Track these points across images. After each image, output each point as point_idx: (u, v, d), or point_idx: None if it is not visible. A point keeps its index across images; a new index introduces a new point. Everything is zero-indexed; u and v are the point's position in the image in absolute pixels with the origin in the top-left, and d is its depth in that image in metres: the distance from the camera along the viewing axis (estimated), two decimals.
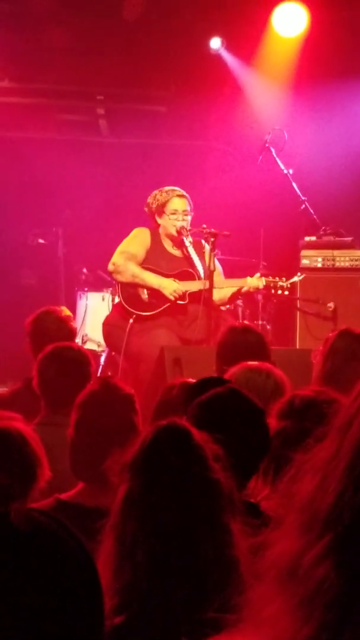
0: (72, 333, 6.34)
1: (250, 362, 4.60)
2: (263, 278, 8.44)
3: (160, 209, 8.57)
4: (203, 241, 8.60)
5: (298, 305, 9.34)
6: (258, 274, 8.51)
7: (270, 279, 8.49)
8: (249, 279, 8.44)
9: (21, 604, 1.52)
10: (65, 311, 6.48)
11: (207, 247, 8.37)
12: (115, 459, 2.49)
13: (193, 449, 2.57)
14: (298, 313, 9.38)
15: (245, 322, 8.32)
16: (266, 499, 3.43)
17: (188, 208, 8.56)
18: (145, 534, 2.44)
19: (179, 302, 8.33)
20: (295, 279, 8.78)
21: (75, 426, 3.89)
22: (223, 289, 8.43)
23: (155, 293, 8.38)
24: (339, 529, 1.43)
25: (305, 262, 9.41)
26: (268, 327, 9.59)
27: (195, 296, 8.33)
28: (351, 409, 1.53)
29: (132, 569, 2.41)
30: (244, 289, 8.42)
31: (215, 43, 10.68)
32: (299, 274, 8.97)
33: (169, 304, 8.35)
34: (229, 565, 2.42)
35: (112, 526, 2.48)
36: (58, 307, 6.57)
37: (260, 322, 9.43)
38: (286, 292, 8.59)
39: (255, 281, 8.41)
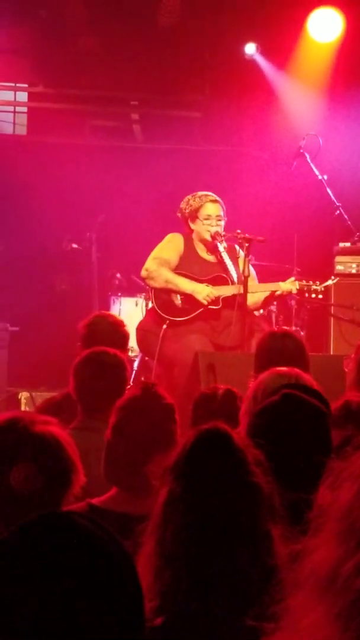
0: (125, 338, 6.32)
1: (279, 368, 4.56)
2: (297, 282, 8.42)
3: (194, 215, 8.56)
4: (237, 246, 8.59)
5: (332, 311, 9.31)
6: (292, 278, 8.49)
7: (304, 282, 8.46)
8: (281, 283, 8.42)
9: (65, 604, 1.53)
10: (116, 317, 6.52)
11: (241, 253, 8.35)
12: (157, 463, 2.49)
13: (234, 453, 2.58)
14: (332, 319, 9.35)
15: (285, 327, 8.29)
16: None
17: (221, 213, 8.55)
18: (186, 537, 2.44)
19: (212, 307, 8.32)
20: (329, 282, 8.74)
21: (113, 430, 3.88)
22: (256, 294, 8.41)
23: (188, 298, 8.37)
24: None
25: (339, 268, 9.38)
26: (302, 333, 9.55)
27: (228, 301, 8.31)
28: None
29: (172, 572, 2.42)
30: (278, 293, 8.40)
31: (250, 48, 10.67)
32: (332, 277, 8.94)
33: (202, 309, 8.33)
34: (268, 571, 2.41)
35: (153, 529, 2.49)
36: (109, 312, 6.58)
37: (294, 328, 9.40)
38: (320, 296, 8.54)
39: (289, 285, 8.38)
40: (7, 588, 1.55)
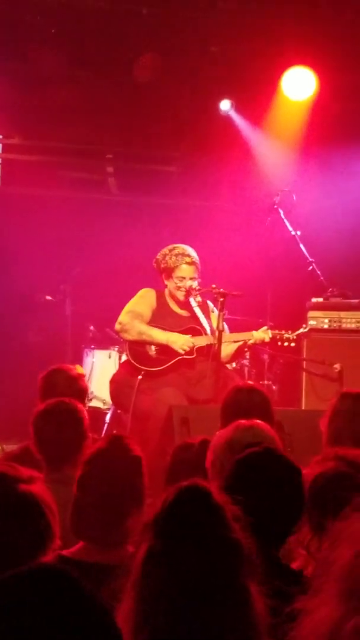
0: (82, 391, 6.34)
1: (242, 421, 4.57)
2: (269, 331, 8.49)
3: (169, 273, 8.63)
4: (209, 302, 8.66)
5: (304, 366, 9.34)
6: (265, 327, 8.56)
7: (277, 331, 8.54)
8: (254, 332, 8.48)
9: None
10: (78, 369, 6.50)
11: (215, 310, 8.41)
12: (135, 519, 2.49)
13: (214, 510, 2.59)
14: (304, 374, 9.37)
15: (250, 382, 8.32)
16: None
17: (196, 275, 8.62)
18: (166, 593, 2.44)
19: (187, 356, 8.36)
20: (302, 330, 8.84)
21: (79, 484, 3.87)
22: (229, 346, 8.46)
23: (163, 349, 8.41)
24: None
25: (312, 323, 9.42)
26: (274, 387, 9.60)
27: (203, 351, 8.36)
28: None
29: (151, 628, 2.41)
30: (250, 342, 8.46)
31: (225, 105, 10.80)
32: (304, 325, 9.04)
33: (177, 358, 8.37)
34: (249, 628, 2.41)
35: (132, 584, 2.49)
36: (71, 365, 6.58)
37: (266, 382, 9.44)
38: (292, 344, 8.64)
39: (262, 334, 8.46)
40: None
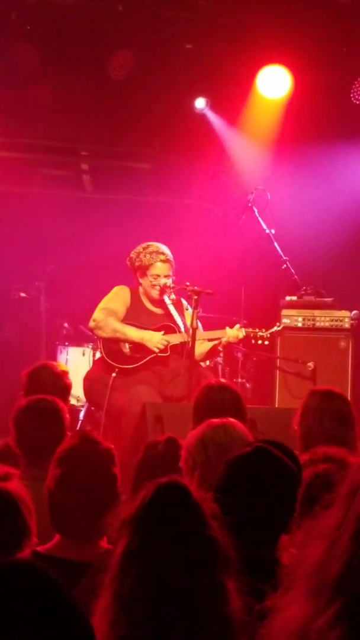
0: (67, 388, 6.38)
1: (214, 420, 4.58)
2: (243, 329, 8.50)
3: (143, 271, 8.63)
4: (183, 300, 8.67)
5: (278, 364, 9.37)
6: (238, 325, 8.58)
7: (250, 329, 8.55)
8: (228, 329, 8.50)
9: None
10: (62, 367, 6.55)
11: (189, 308, 8.42)
12: (113, 515, 2.50)
13: (192, 507, 2.61)
14: (278, 372, 9.40)
15: (222, 380, 8.33)
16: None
17: (170, 272, 8.62)
18: (143, 589, 2.46)
19: (161, 354, 8.36)
20: (275, 328, 8.85)
21: (53, 479, 3.88)
22: (203, 344, 8.47)
23: (137, 347, 8.41)
24: (349, 596, 1.44)
25: (285, 321, 9.45)
26: (247, 385, 9.62)
27: (177, 349, 8.37)
28: (356, 477, 1.55)
29: (128, 623, 2.43)
30: (224, 339, 8.47)
31: (200, 103, 10.81)
32: (278, 323, 9.06)
33: (151, 356, 8.37)
34: (224, 623, 2.43)
35: (110, 580, 2.50)
36: (55, 362, 6.61)
37: (239, 380, 9.46)
38: (266, 342, 8.66)
39: (236, 331, 8.47)
40: None
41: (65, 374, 6.45)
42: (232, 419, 4.53)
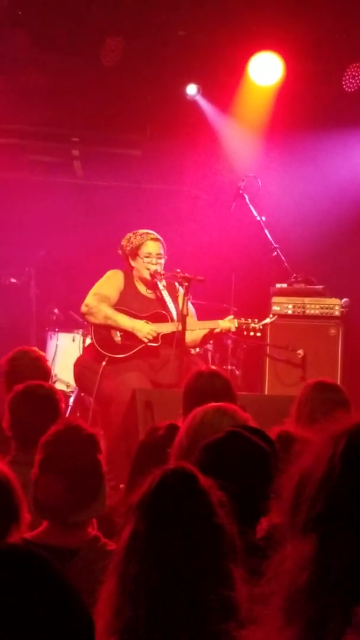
0: (47, 373, 6.40)
1: (210, 404, 4.57)
2: (235, 320, 8.49)
3: (134, 252, 8.60)
4: (177, 284, 8.64)
5: (267, 351, 9.37)
6: (231, 316, 8.57)
7: (243, 320, 8.54)
8: (220, 321, 8.49)
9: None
10: (39, 351, 6.55)
11: (181, 290, 8.41)
12: (120, 500, 2.50)
13: (199, 494, 2.62)
14: (267, 359, 9.40)
15: (212, 367, 8.33)
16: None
17: (162, 252, 8.60)
18: (148, 575, 2.47)
19: (151, 344, 8.35)
20: (268, 320, 8.84)
21: (39, 465, 3.90)
22: (195, 332, 8.45)
23: (128, 335, 8.39)
24: None
25: (275, 308, 9.45)
26: (237, 372, 9.62)
27: (167, 338, 8.34)
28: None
29: (133, 608, 2.44)
30: (216, 330, 8.46)
31: (192, 90, 10.79)
32: (271, 315, 9.05)
33: (142, 345, 8.36)
34: (228, 611, 2.44)
35: (116, 565, 2.51)
36: (32, 347, 6.62)
37: (229, 367, 9.45)
38: (258, 334, 8.63)
39: (228, 323, 8.46)
40: None
41: (44, 358, 6.50)
42: (233, 405, 4.53)
